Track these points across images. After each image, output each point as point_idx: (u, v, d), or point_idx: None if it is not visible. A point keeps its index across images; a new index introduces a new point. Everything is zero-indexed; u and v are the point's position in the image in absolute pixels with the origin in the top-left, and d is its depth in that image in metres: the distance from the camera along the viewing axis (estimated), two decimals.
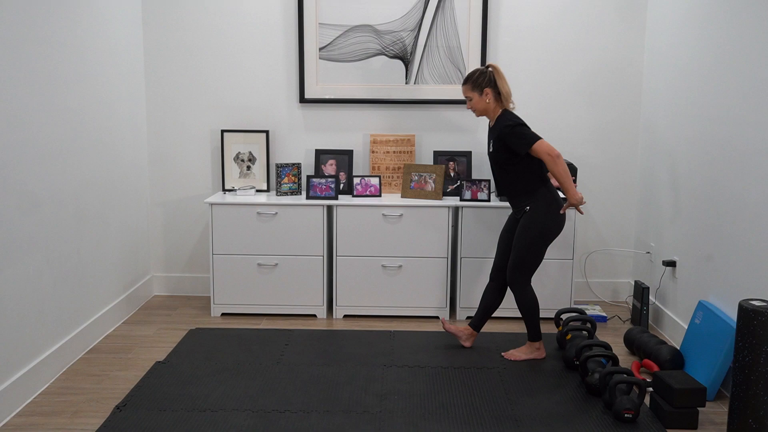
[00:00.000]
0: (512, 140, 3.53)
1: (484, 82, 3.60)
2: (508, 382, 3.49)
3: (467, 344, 3.93)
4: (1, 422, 3.05)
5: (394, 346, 3.93)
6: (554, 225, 3.64)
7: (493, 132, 3.66)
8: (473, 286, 4.36)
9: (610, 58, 4.63)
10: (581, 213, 3.74)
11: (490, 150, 3.70)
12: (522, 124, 3.56)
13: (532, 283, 3.73)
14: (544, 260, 4.29)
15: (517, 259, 3.64)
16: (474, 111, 3.70)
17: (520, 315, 4.38)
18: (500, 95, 3.62)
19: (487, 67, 3.65)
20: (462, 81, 3.83)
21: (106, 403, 3.24)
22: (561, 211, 3.62)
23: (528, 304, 3.69)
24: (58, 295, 3.58)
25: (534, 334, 3.77)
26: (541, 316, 4.36)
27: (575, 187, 3.51)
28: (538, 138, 3.51)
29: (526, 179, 3.62)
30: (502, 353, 3.82)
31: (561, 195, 3.79)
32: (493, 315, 4.39)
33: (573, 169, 4.34)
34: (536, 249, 3.65)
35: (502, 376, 3.56)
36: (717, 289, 3.56)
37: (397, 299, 4.39)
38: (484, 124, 4.70)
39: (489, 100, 3.61)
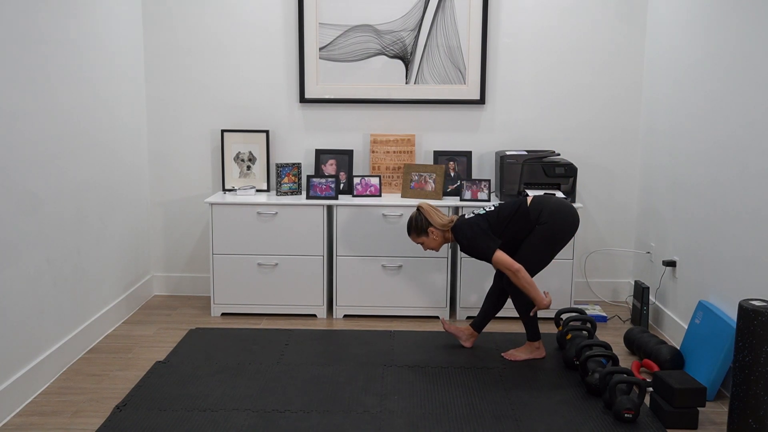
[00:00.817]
0: (474, 254, 3.67)
1: (422, 224, 3.73)
2: (508, 382, 3.49)
3: (467, 344, 3.93)
4: (1, 422, 3.05)
5: (394, 346, 3.93)
6: (563, 231, 3.66)
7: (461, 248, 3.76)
8: (473, 286, 4.36)
9: (610, 58, 4.63)
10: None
11: None
12: (474, 237, 3.62)
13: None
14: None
15: (525, 263, 3.63)
16: (434, 250, 3.82)
17: (518, 315, 4.40)
18: (440, 228, 3.72)
19: (418, 210, 3.75)
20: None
21: (106, 403, 3.24)
22: (531, 314, 3.69)
23: (526, 304, 3.69)
24: (58, 295, 3.58)
25: (533, 334, 3.77)
26: (541, 316, 4.39)
27: (539, 293, 3.59)
28: (494, 250, 3.58)
29: (522, 226, 3.66)
30: (502, 353, 3.82)
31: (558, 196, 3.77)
32: None
33: (573, 170, 4.34)
34: (544, 259, 3.68)
35: (502, 376, 3.56)
36: (717, 289, 3.56)
37: (397, 299, 4.39)
38: (484, 124, 4.70)
39: (436, 235, 3.74)
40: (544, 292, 3.64)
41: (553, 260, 4.29)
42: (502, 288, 3.82)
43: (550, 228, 3.61)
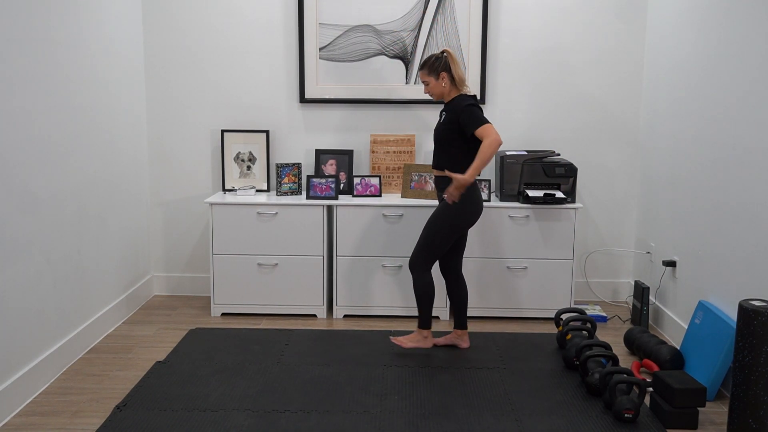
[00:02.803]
0: (465, 118, 3.57)
1: (440, 66, 3.66)
2: (508, 382, 3.49)
3: (465, 345, 3.93)
4: (1, 422, 3.05)
5: (394, 346, 3.93)
6: (466, 217, 3.66)
7: (448, 107, 3.69)
8: (473, 286, 4.36)
9: (610, 58, 4.63)
10: (449, 201, 3.62)
11: (440, 121, 3.73)
12: (479, 107, 3.62)
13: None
14: (544, 260, 4.33)
15: (424, 244, 3.66)
16: (432, 95, 3.74)
17: (519, 315, 4.40)
18: (454, 80, 3.67)
19: (443, 52, 3.70)
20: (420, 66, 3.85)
21: (106, 403, 3.24)
22: (450, 190, 3.56)
23: (424, 290, 3.71)
24: (58, 295, 3.58)
25: (424, 322, 3.78)
26: (541, 316, 4.39)
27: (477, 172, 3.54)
28: (488, 122, 3.56)
29: (457, 163, 3.61)
30: (390, 337, 3.87)
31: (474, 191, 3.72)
32: (493, 315, 4.41)
33: (573, 170, 4.34)
34: (444, 237, 3.67)
35: (502, 376, 3.56)
36: (717, 289, 3.56)
37: (397, 299, 4.39)
38: None
39: (445, 83, 3.67)
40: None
41: (552, 260, 4.32)
42: (453, 279, 3.86)
43: (453, 210, 3.61)
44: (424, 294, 3.72)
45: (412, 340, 3.81)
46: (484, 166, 3.55)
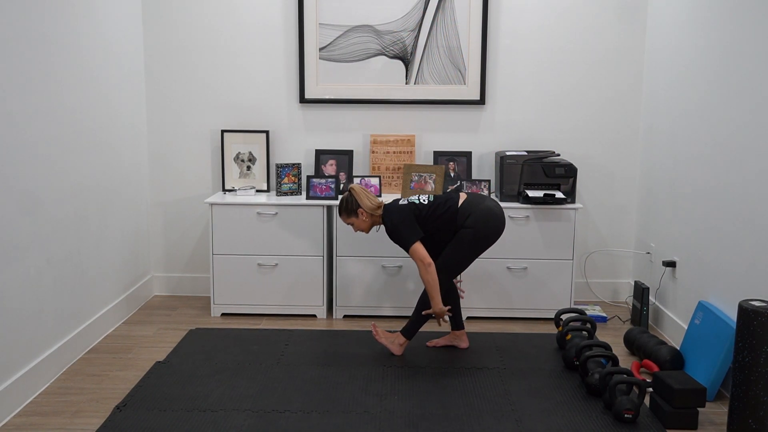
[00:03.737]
0: (395, 239, 3.66)
1: (353, 206, 3.71)
2: (508, 382, 3.49)
3: (464, 345, 3.93)
4: (1, 422, 3.05)
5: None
6: (486, 239, 3.64)
7: (385, 229, 3.73)
8: (474, 287, 4.36)
9: (610, 58, 4.63)
10: (439, 324, 3.75)
11: None
12: (399, 224, 3.61)
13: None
14: (544, 260, 4.33)
15: (444, 264, 3.65)
16: (364, 231, 3.78)
17: (519, 315, 4.40)
18: (367, 210, 3.71)
19: (349, 191, 3.74)
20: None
21: (106, 403, 3.24)
22: (424, 313, 3.67)
23: (425, 303, 3.69)
24: (58, 295, 3.58)
25: (409, 331, 3.78)
26: (541, 317, 4.39)
27: (439, 297, 3.60)
28: (414, 242, 3.57)
29: (447, 225, 3.65)
30: (372, 323, 3.89)
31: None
32: (493, 315, 4.41)
33: (573, 170, 4.34)
34: (465, 260, 3.68)
35: (502, 376, 3.56)
36: (717, 290, 3.56)
37: (397, 299, 4.39)
38: (484, 124, 4.70)
39: (365, 217, 3.72)
40: (447, 307, 3.68)
41: (552, 261, 4.32)
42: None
43: (473, 233, 3.59)
44: (424, 309, 3.69)
45: (388, 338, 3.82)
46: (437, 290, 3.57)
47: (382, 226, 3.73)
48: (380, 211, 3.71)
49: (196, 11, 4.63)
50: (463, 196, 3.70)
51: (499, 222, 3.66)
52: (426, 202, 3.68)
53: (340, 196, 3.80)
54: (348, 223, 3.79)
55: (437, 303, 3.60)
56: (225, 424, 3.04)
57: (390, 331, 3.92)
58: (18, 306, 3.21)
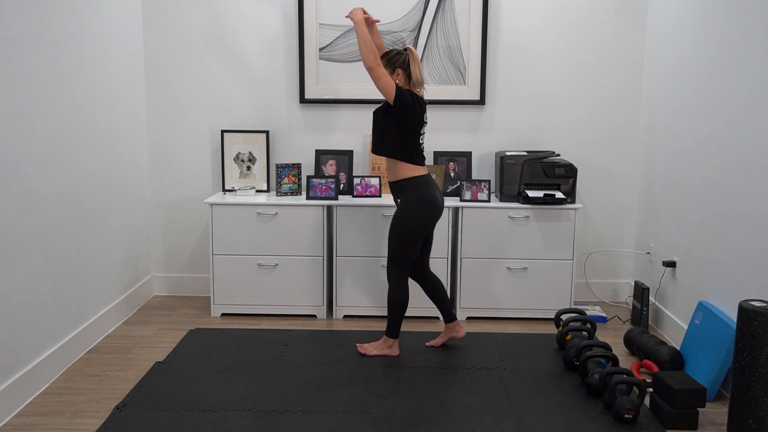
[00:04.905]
0: (388, 96, 3.53)
1: (398, 62, 3.58)
2: (508, 382, 3.49)
3: (461, 334, 3.93)
4: (1, 422, 3.05)
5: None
6: (425, 219, 3.63)
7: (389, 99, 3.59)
8: (473, 287, 4.36)
9: (610, 58, 4.63)
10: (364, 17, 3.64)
11: (381, 107, 3.67)
12: (407, 96, 3.51)
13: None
14: (544, 260, 4.33)
15: (392, 254, 3.66)
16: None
17: (519, 315, 4.40)
18: (410, 79, 3.59)
19: (405, 49, 3.62)
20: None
21: (106, 403, 3.24)
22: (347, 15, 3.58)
23: (396, 299, 3.69)
24: (58, 295, 3.58)
25: (392, 331, 3.78)
26: (541, 317, 4.39)
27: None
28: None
29: (395, 149, 3.58)
30: (357, 345, 3.86)
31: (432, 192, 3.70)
32: (493, 315, 4.41)
33: (573, 170, 4.34)
34: (409, 243, 3.65)
35: (502, 376, 3.56)
36: (717, 290, 3.56)
37: None
38: (484, 124, 4.70)
39: (399, 80, 3.58)
40: (361, 10, 3.62)
41: (552, 261, 4.32)
42: (423, 277, 3.85)
43: (410, 214, 3.58)
44: (395, 302, 3.71)
45: (378, 347, 3.81)
46: (361, 38, 3.51)
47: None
48: (410, 88, 3.57)
49: (196, 11, 4.63)
50: (424, 168, 3.66)
51: (435, 208, 3.63)
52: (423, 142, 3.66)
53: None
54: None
55: (356, 18, 3.57)
56: (225, 424, 3.04)
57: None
58: (18, 306, 3.21)
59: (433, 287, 3.86)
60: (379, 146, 3.67)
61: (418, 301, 4.38)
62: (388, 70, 3.57)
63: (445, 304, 3.90)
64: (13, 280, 3.17)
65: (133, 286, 4.55)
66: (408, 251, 3.65)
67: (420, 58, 4.60)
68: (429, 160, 4.71)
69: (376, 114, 3.68)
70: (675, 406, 3.07)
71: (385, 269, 3.70)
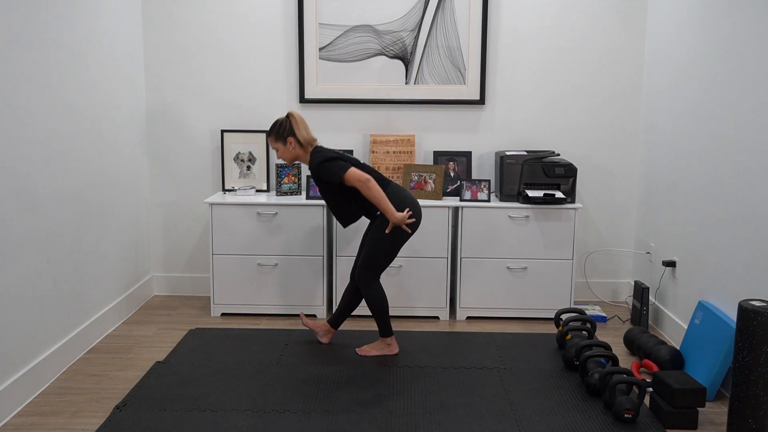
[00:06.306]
0: (325, 175, 3.59)
1: (285, 132, 3.66)
2: (508, 382, 3.49)
3: (324, 340, 3.95)
4: (1, 422, 3.05)
5: None
6: (404, 229, 3.64)
7: (311, 169, 3.67)
8: (473, 287, 4.36)
9: (610, 58, 4.63)
10: (408, 231, 3.64)
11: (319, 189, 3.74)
12: (329, 159, 3.57)
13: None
14: (544, 260, 4.33)
15: (368, 259, 3.68)
16: (284, 160, 3.72)
17: (519, 315, 4.41)
18: (301, 143, 3.67)
19: (287, 116, 3.69)
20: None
21: (106, 403, 3.24)
22: (386, 231, 3.62)
23: (376, 301, 3.71)
24: (58, 295, 3.58)
25: (384, 330, 3.79)
26: (541, 317, 4.40)
27: (391, 206, 3.56)
28: (347, 168, 3.53)
29: (348, 210, 3.69)
30: (357, 349, 3.85)
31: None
32: (493, 315, 4.41)
33: (573, 170, 4.34)
34: (387, 250, 3.68)
35: (502, 376, 3.56)
36: (717, 290, 3.56)
37: (397, 299, 4.38)
38: (484, 124, 4.70)
39: (293, 148, 3.67)
40: (406, 210, 3.59)
41: (552, 260, 4.32)
42: (356, 286, 3.85)
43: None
44: (377, 304, 3.72)
45: (376, 347, 3.82)
46: (386, 200, 3.54)
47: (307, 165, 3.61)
48: (311, 148, 3.66)
49: (196, 11, 4.63)
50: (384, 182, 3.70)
51: (416, 211, 3.66)
52: (358, 160, 3.69)
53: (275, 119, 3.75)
54: (273, 147, 3.70)
55: (392, 212, 3.54)
56: (225, 424, 3.04)
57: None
58: (18, 306, 3.21)
59: (354, 295, 3.87)
60: (346, 219, 3.73)
61: (419, 301, 4.39)
62: (280, 143, 3.66)
63: (344, 315, 3.92)
64: (13, 279, 3.17)
65: (133, 285, 4.55)
66: (388, 258, 3.72)
67: (420, 58, 4.61)
68: (429, 159, 4.72)
69: (323, 192, 3.70)
70: (675, 406, 3.08)
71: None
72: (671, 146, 4.16)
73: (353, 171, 3.52)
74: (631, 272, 4.83)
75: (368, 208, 3.70)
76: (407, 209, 3.61)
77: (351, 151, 4.67)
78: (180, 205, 4.83)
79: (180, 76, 4.69)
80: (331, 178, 3.56)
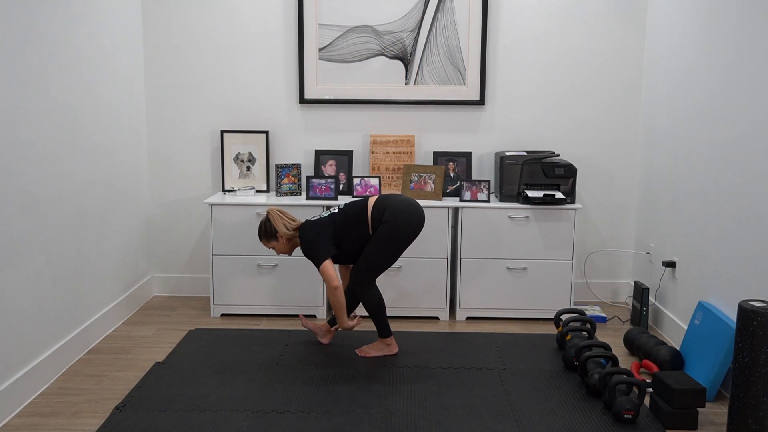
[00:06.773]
0: (308, 256, 3.70)
1: (271, 231, 3.77)
2: (508, 382, 3.49)
3: (324, 341, 3.96)
4: (1, 422, 3.04)
5: None
6: (406, 230, 3.67)
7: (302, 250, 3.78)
8: (473, 287, 4.36)
9: (610, 59, 4.63)
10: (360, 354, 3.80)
11: None
12: (313, 241, 3.67)
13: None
14: (543, 261, 4.33)
15: (367, 262, 3.69)
16: (286, 254, 3.86)
17: (519, 315, 4.41)
18: (284, 236, 3.76)
19: (266, 216, 3.78)
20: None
21: (106, 404, 3.24)
22: (337, 329, 3.82)
23: (373, 303, 3.72)
24: (58, 295, 3.58)
25: (383, 331, 3.80)
26: (541, 317, 4.40)
27: (345, 317, 3.74)
28: (324, 260, 3.63)
29: (350, 240, 3.74)
30: (356, 350, 3.85)
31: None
32: (493, 315, 4.41)
33: (573, 170, 4.34)
34: (387, 255, 3.71)
35: (502, 376, 3.56)
36: (717, 290, 3.56)
37: (397, 299, 4.39)
38: (484, 125, 4.70)
39: (285, 240, 3.77)
40: (353, 316, 3.89)
41: (552, 261, 4.32)
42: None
43: (391, 227, 3.64)
44: (375, 306, 3.73)
45: (376, 348, 3.82)
46: (343, 309, 3.70)
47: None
48: (297, 233, 3.77)
49: (195, 12, 4.63)
50: (373, 199, 3.76)
51: (417, 214, 3.71)
52: (338, 210, 3.77)
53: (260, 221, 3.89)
54: (269, 247, 3.83)
55: (343, 321, 3.74)
56: (225, 424, 3.04)
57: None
58: (18, 306, 3.21)
59: (353, 295, 3.87)
60: (346, 260, 3.83)
61: (418, 302, 4.39)
62: (273, 242, 3.79)
63: (346, 312, 3.92)
64: (12, 280, 3.17)
65: (133, 286, 4.55)
66: (387, 263, 3.74)
67: (420, 58, 4.61)
68: (428, 160, 4.72)
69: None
70: (675, 406, 3.08)
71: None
72: (671, 147, 4.16)
73: (328, 269, 3.62)
74: (631, 273, 4.83)
75: (363, 244, 3.72)
76: (357, 318, 3.88)
77: (351, 152, 4.67)
78: (180, 206, 4.83)
79: (180, 77, 4.69)
80: (313, 259, 3.69)
